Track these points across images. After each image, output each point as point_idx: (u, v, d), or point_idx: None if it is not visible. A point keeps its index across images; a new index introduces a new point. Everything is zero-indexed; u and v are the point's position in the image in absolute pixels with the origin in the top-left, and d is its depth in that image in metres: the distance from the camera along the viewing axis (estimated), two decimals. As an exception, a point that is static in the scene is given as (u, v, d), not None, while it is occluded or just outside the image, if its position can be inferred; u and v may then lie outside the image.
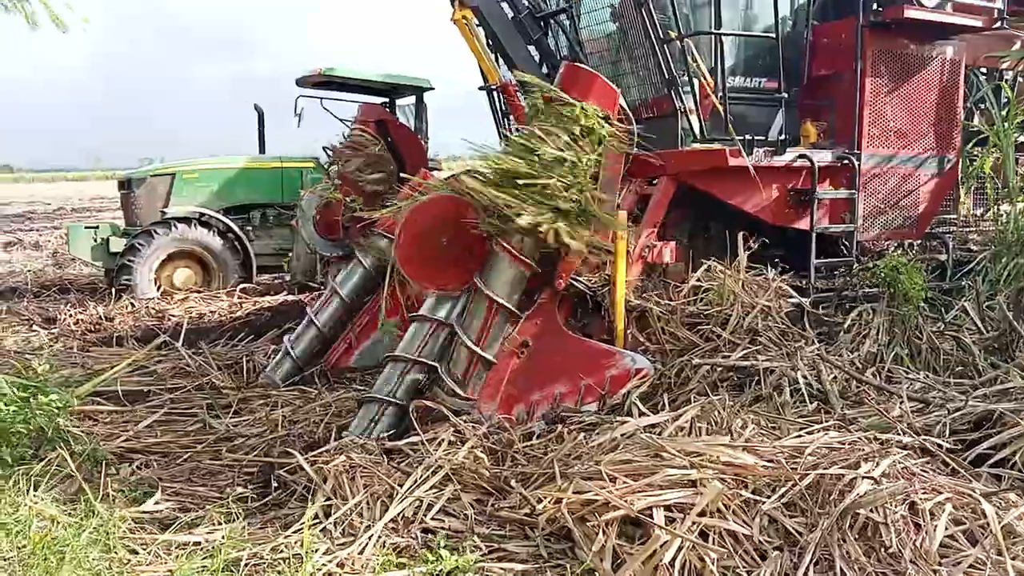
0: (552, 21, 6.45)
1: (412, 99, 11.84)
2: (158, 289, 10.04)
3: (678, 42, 5.42)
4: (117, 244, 10.34)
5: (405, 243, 4.75)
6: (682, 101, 5.53)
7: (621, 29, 6.01)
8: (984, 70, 7.08)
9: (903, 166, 6.30)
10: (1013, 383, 4.37)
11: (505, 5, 6.27)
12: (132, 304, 9.22)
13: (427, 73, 11.67)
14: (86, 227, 10.80)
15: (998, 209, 7.27)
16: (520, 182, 4.36)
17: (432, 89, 11.66)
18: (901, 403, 4.56)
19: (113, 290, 9.87)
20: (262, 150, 12.10)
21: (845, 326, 5.57)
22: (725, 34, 5.54)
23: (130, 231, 10.59)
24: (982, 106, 7.04)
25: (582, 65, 4.92)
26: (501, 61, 6.47)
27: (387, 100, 11.86)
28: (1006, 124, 6.61)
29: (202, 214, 10.43)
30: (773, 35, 5.63)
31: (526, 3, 6.32)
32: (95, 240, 10.58)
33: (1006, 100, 6.98)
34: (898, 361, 5.23)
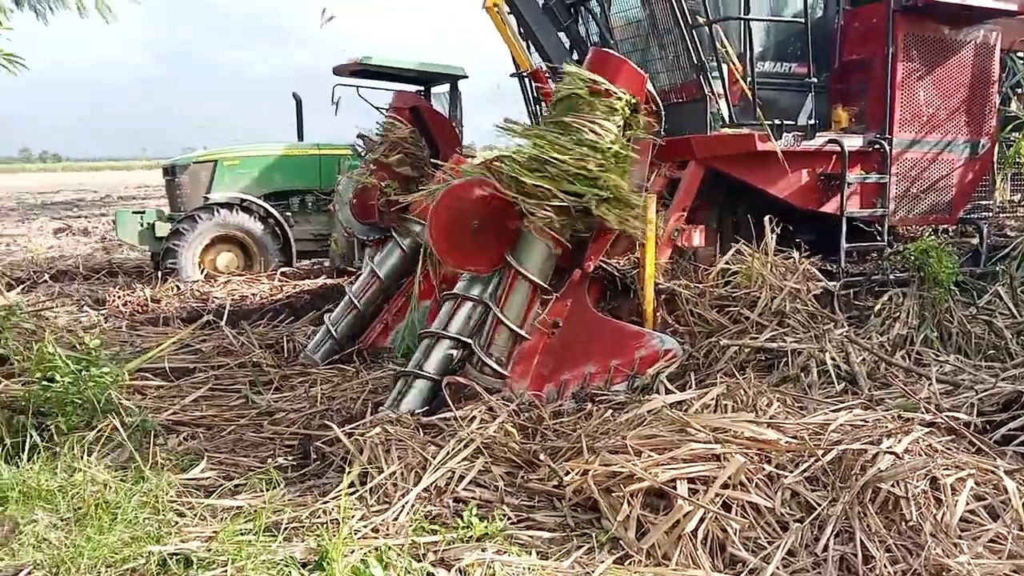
0: (582, 8, 6.52)
1: (447, 87, 11.99)
2: (202, 272, 10.32)
3: (706, 27, 5.46)
4: (162, 229, 10.63)
5: (437, 226, 4.88)
6: (710, 86, 5.58)
7: (650, 15, 6.07)
8: (1021, 54, 7.00)
9: (935, 151, 6.28)
10: (1042, 364, 4.39)
11: (535, -8, 6.37)
12: (177, 287, 9.51)
13: (464, 62, 11.80)
14: (133, 212, 11.11)
15: (1038, 194, 7.20)
16: (552, 168, 4.47)
17: (466, 77, 11.78)
18: (929, 385, 4.60)
19: (159, 273, 10.17)
20: (300, 138, 12.34)
21: (876, 310, 5.61)
22: (753, 19, 5.57)
23: (175, 216, 10.88)
24: (1020, 91, 6.97)
25: (610, 51, 5.00)
26: (532, 48, 6.56)
27: (422, 88, 12.04)
28: (1043, 109, 6.55)
29: (243, 200, 10.69)
30: (802, 20, 5.64)
31: (556, -10, 6.41)
32: (141, 225, 10.88)
33: (1045, 85, 6.92)
34: (928, 344, 5.26)
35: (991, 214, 7.03)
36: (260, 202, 10.78)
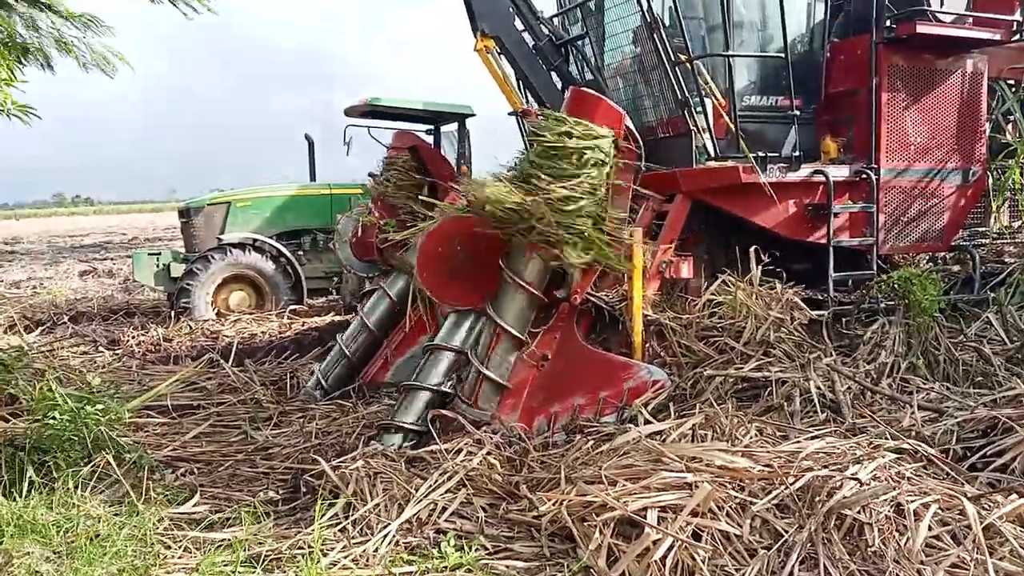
0: (572, 47, 6.69)
1: (455, 125, 12.23)
2: (214, 311, 10.53)
3: (688, 64, 5.59)
4: (177, 270, 10.86)
5: (423, 262, 5.02)
6: (695, 121, 5.70)
7: (638, 53, 6.22)
8: (1011, 81, 7.04)
9: (924, 179, 6.33)
10: (1018, 391, 4.39)
11: (526, 34, 6.55)
12: (190, 326, 9.72)
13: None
14: (149, 254, 11.37)
15: (1033, 220, 7.19)
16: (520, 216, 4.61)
17: (473, 115, 12.01)
18: (912, 412, 4.61)
19: (173, 313, 10.40)
20: (313, 177, 12.62)
21: (865, 338, 5.63)
22: (734, 55, 5.70)
23: (189, 257, 11.14)
24: (1011, 117, 7.01)
25: (588, 90, 5.14)
26: (524, 88, 6.73)
27: (431, 127, 12.30)
28: (1034, 135, 6.58)
29: (255, 239, 10.92)
30: (783, 55, 5.76)
31: (546, 31, 6.59)
32: (157, 266, 11.13)
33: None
34: (914, 371, 5.26)
35: (988, 241, 7.03)
36: (271, 242, 11.01)
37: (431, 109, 11.63)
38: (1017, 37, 6.24)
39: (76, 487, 4.31)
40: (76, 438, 4.53)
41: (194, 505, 4.44)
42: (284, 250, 10.97)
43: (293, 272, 10.98)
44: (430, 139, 12.17)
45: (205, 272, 10.48)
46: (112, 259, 22.25)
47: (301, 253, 11.48)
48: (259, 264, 10.81)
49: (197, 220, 11.33)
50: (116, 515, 4.15)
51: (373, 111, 11.43)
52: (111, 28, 6.88)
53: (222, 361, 7.39)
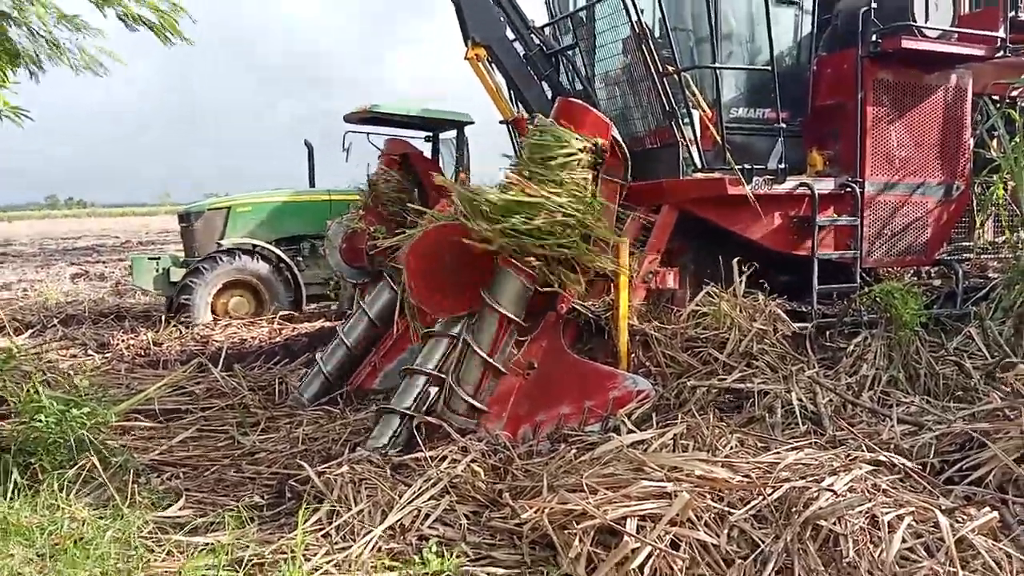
0: (562, 58, 6.76)
1: (454, 132, 12.30)
2: (212, 315, 10.52)
3: (676, 76, 5.65)
4: (177, 274, 10.82)
5: (411, 270, 5.03)
6: (682, 132, 5.75)
7: (627, 64, 6.29)
8: (996, 97, 7.12)
9: (908, 193, 6.39)
10: (995, 405, 4.45)
11: (517, 44, 6.62)
12: (179, 330, 9.72)
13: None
14: (149, 258, 11.34)
15: (1019, 236, 7.26)
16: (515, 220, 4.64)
17: (472, 123, 12.07)
18: (891, 426, 4.66)
19: (164, 317, 10.38)
20: (312, 183, 12.65)
21: (847, 351, 5.68)
22: (721, 68, 5.76)
23: (189, 262, 11.13)
24: (995, 133, 7.08)
25: (575, 100, 5.20)
26: (515, 97, 6.79)
27: (431, 134, 12.35)
28: (1017, 151, 6.64)
29: (255, 245, 10.93)
30: (770, 68, 5.83)
31: (537, 41, 6.67)
32: (157, 271, 11.11)
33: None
34: (895, 385, 5.31)
35: (971, 256, 7.10)
36: (272, 247, 11.01)
37: (430, 116, 11.69)
38: (1001, 53, 6.32)
39: (61, 490, 4.34)
40: (62, 441, 4.55)
41: (179, 509, 4.46)
42: (284, 256, 10.98)
43: (292, 278, 11.00)
44: (428, 147, 12.24)
45: (211, 273, 10.46)
46: (104, 262, 22.24)
47: (300, 259, 11.49)
48: (261, 270, 10.81)
49: (197, 224, 11.34)
50: (100, 518, 4.19)
51: (373, 118, 11.48)
52: (101, 31, 6.93)
53: (211, 366, 7.41)
